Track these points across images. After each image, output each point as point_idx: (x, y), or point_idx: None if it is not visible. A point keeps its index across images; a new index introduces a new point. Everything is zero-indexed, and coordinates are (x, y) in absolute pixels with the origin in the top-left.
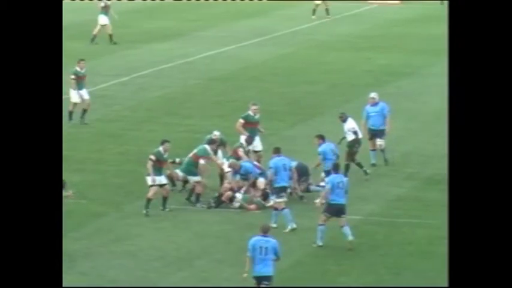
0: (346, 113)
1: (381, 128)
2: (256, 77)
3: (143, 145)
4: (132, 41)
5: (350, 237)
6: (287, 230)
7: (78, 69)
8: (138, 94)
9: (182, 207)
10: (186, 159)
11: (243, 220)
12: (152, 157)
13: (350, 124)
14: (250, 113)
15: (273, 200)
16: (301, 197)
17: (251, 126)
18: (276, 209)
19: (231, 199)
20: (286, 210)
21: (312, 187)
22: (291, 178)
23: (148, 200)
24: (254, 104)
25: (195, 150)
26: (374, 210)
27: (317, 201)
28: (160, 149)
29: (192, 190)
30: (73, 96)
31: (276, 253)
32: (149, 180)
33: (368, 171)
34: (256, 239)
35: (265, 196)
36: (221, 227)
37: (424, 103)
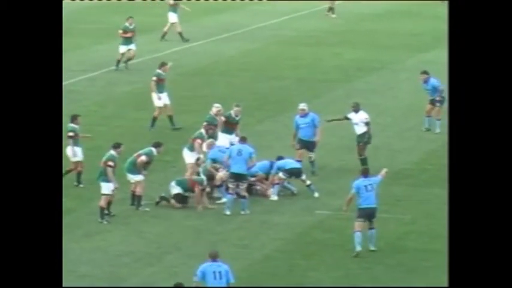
0: (359, 103)
1: (312, 139)
2: (225, 72)
3: (112, 140)
4: (101, 36)
5: (372, 247)
6: (226, 212)
7: (160, 71)
8: (106, 89)
9: (150, 202)
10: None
11: (213, 215)
12: (111, 163)
13: (363, 115)
14: (232, 113)
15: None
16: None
17: (229, 126)
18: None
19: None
20: (229, 196)
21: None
22: (249, 167)
23: (103, 209)
24: (237, 106)
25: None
26: (343, 205)
27: (344, 208)
28: (114, 152)
29: (133, 192)
30: (155, 100)
31: (228, 279)
32: (109, 187)
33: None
34: (208, 265)
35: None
36: (191, 222)
37: (393, 98)
